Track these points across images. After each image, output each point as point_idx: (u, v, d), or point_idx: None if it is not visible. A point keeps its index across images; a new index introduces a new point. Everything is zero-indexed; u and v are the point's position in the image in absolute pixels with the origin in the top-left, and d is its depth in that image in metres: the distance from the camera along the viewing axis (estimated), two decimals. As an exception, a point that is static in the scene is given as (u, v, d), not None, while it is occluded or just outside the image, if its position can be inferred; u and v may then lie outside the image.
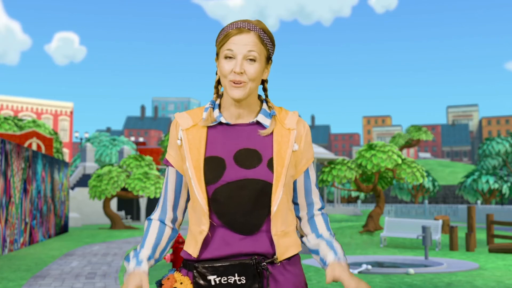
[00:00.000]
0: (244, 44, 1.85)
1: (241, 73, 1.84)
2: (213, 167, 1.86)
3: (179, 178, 1.96)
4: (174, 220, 1.99)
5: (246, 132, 1.91)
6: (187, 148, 1.89)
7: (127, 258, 1.90)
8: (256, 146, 1.89)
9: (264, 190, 1.84)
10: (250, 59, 1.85)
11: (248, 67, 1.85)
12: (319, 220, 1.98)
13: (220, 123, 1.93)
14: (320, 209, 2.00)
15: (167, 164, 1.97)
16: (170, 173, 1.97)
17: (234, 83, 1.84)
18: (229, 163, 1.86)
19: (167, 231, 1.97)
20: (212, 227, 1.88)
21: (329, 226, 1.99)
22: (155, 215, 1.98)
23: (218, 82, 1.99)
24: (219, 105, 1.96)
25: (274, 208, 1.84)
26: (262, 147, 1.89)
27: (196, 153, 1.88)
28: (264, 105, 1.96)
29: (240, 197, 1.84)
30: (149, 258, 1.90)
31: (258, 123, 1.93)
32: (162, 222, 1.97)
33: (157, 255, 1.93)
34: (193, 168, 1.86)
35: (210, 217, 1.88)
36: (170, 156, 1.97)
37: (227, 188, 1.84)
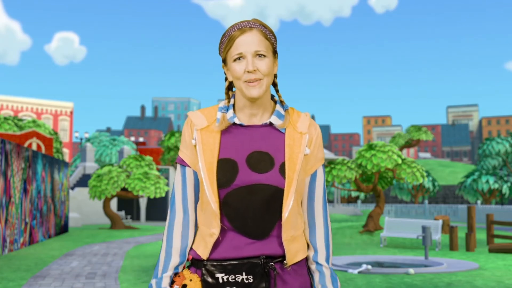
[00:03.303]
0: (250, 43, 1.86)
1: (254, 70, 1.84)
2: (226, 170, 1.85)
3: (196, 177, 1.95)
4: (196, 221, 1.98)
5: (259, 134, 1.91)
6: (200, 150, 1.88)
7: (155, 272, 1.93)
8: (268, 149, 1.89)
9: (275, 196, 1.85)
10: (259, 56, 1.86)
11: (259, 64, 1.85)
12: (319, 236, 1.98)
13: (234, 124, 1.93)
14: (323, 217, 1.98)
15: (182, 163, 1.94)
16: (187, 173, 1.94)
17: (250, 82, 1.84)
18: (242, 166, 1.86)
19: (192, 230, 1.96)
20: (222, 230, 1.88)
21: (328, 245, 1.98)
22: (178, 218, 1.95)
23: (228, 89, 1.98)
24: (233, 106, 1.95)
25: (285, 214, 1.84)
26: (274, 150, 1.89)
27: (209, 155, 1.87)
28: (278, 106, 1.95)
29: (251, 202, 1.84)
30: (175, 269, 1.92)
31: (271, 124, 1.93)
32: (186, 225, 1.95)
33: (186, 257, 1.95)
34: (206, 170, 1.85)
35: (221, 220, 1.88)
36: (185, 155, 1.94)
37: (239, 193, 1.84)
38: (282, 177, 1.85)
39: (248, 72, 1.84)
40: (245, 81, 1.85)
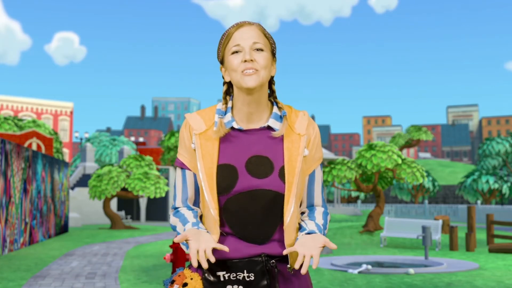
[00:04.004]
0: (248, 36, 1.84)
1: (252, 60, 1.81)
2: (225, 176, 1.83)
3: (196, 180, 1.93)
4: (201, 216, 1.96)
5: (257, 138, 1.88)
6: (199, 155, 1.85)
7: (175, 228, 1.87)
8: (267, 153, 1.87)
9: (276, 201, 1.83)
10: (257, 49, 1.84)
11: (257, 56, 1.83)
12: (318, 211, 1.96)
13: (232, 128, 1.90)
14: (323, 213, 1.97)
15: (183, 166, 1.92)
16: (187, 176, 1.92)
17: (246, 72, 1.81)
18: (241, 171, 1.83)
19: (198, 213, 1.93)
20: (222, 236, 1.87)
21: (326, 217, 1.95)
22: (182, 209, 1.92)
23: (226, 93, 1.95)
24: (231, 108, 1.92)
25: (287, 219, 1.82)
26: (273, 154, 1.87)
27: (209, 160, 1.84)
28: (275, 108, 1.92)
29: (252, 208, 1.82)
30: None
31: (269, 127, 1.90)
32: (192, 209, 1.93)
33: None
34: (205, 176, 1.83)
35: (221, 226, 1.86)
36: (185, 158, 1.91)
37: (239, 199, 1.82)
38: (282, 181, 1.83)
39: (245, 61, 1.81)
40: (242, 72, 1.81)
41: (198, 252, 1.70)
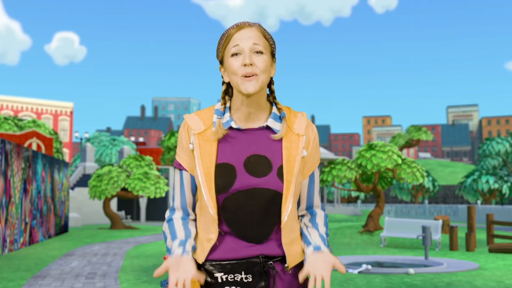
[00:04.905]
0: (248, 38, 1.83)
1: (251, 64, 1.81)
2: (223, 174, 1.83)
3: (193, 181, 1.93)
4: (195, 220, 1.97)
5: (256, 137, 1.88)
6: (198, 155, 1.85)
7: (168, 250, 1.87)
8: (266, 153, 1.87)
9: (274, 200, 1.83)
10: (257, 52, 1.83)
11: (256, 59, 1.82)
12: (319, 216, 1.98)
13: (231, 128, 1.90)
14: (323, 217, 2.00)
15: (180, 167, 1.92)
16: (184, 177, 1.92)
17: (246, 76, 1.80)
18: (240, 170, 1.84)
19: (193, 226, 1.93)
20: (220, 235, 1.87)
21: (326, 222, 1.98)
22: (177, 215, 1.93)
23: (225, 93, 1.94)
24: (229, 108, 1.92)
25: (284, 218, 1.83)
26: (272, 154, 1.87)
27: (207, 159, 1.85)
28: (274, 108, 1.92)
29: (250, 206, 1.83)
30: (192, 249, 1.87)
31: (268, 127, 1.90)
32: (185, 219, 1.93)
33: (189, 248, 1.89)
34: (204, 175, 1.83)
35: (219, 225, 1.86)
36: (182, 159, 1.92)
37: (238, 197, 1.82)
38: (280, 180, 1.84)
39: (244, 65, 1.81)
40: (242, 76, 1.81)
41: (177, 284, 1.74)
